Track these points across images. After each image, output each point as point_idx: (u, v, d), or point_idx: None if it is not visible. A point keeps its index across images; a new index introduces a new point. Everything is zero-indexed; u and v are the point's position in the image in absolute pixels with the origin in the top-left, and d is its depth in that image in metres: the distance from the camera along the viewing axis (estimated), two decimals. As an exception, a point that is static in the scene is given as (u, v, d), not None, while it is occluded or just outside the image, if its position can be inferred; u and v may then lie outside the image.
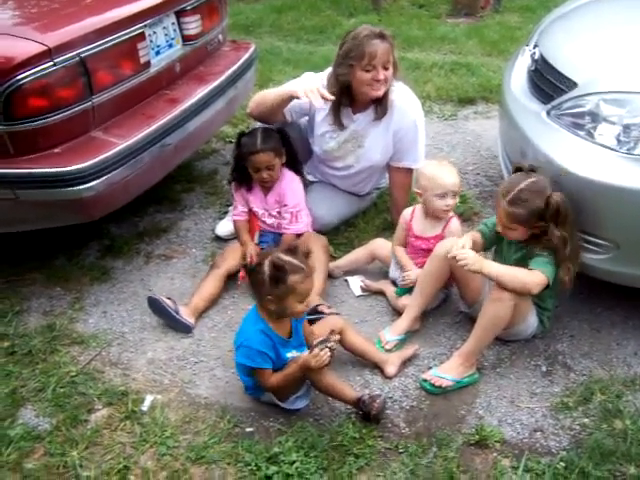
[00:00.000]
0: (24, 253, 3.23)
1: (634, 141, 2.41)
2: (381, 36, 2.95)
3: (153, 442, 2.26)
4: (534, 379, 2.53)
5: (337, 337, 2.31)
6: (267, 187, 3.08)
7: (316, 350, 2.22)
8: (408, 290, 2.83)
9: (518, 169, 2.55)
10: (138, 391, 2.48)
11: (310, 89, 2.90)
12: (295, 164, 3.16)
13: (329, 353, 2.22)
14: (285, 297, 2.23)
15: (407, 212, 2.97)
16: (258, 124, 3.33)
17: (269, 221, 3.13)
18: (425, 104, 4.75)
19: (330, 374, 2.34)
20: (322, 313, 2.67)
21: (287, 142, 3.07)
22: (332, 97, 2.96)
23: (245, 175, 3.09)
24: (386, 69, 2.97)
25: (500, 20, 7.08)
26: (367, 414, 2.30)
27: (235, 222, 3.18)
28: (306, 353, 2.28)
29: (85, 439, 2.27)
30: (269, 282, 2.21)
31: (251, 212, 3.16)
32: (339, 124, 3.16)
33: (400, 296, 2.86)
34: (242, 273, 2.96)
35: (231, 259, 3.02)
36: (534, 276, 2.39)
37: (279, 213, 3.09)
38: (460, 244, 2.51)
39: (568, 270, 2.44)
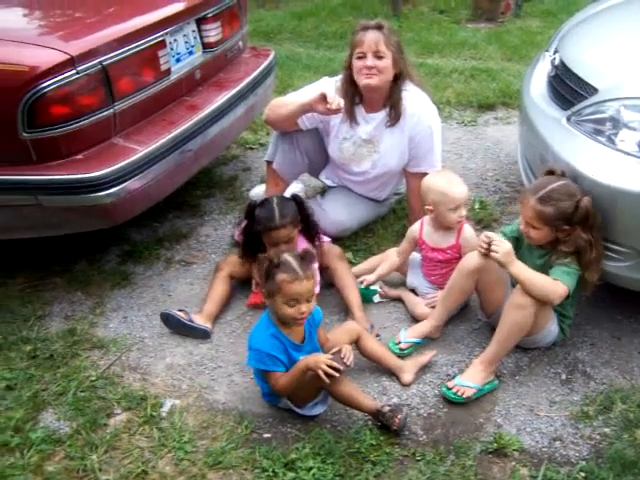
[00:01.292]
0: (46, 258, 3.27)
1: (655, 147, 2.39)
2: (376, 26, 3.00)
3: (171, 447, 2.27)
4: (553, 387, 2.51)
5: (348, 358, 2.27)
6: None
7: (323, 356, 2.23)
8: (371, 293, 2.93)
9: (550, 172, 2.53)
10: (157, 396, 2.50)
11: (330, 103, 2.91)
12: (310, 230, 2.92)
13: (329, 362, 2.19)
14: (273, 294, 2.25)
15: (415, 227, 2.94)
16: (274, 133, 3.36)
17: None
18: (445, 110, 4.75)
19: (348, 384, 2.33)
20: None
21: (302, 208, 2.86)
22: (342, 102, 2.99)
23: (257, 247, 2.82)
24: (378, 58, 2.98)
25: (521, 25, 7.05)
26: (387, 427, 2.29)
27: None
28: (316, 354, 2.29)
29: (104, 443, 2.29)
30: (264, 276, 2.26)
31: None
32: (353, 120, 3.17)
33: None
34: (250, 300, 2.97)
35: (235, 262, 2.99)
36: (557, 287, 2.38)
37: None
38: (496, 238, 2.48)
39: (593, 274, 2.42)
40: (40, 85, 2.54)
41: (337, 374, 2.19)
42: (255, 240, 2.83)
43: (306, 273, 2.23)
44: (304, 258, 2.28)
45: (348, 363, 2.24)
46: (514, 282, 2.50)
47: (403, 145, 3.18)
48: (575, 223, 2.38)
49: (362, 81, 3.02)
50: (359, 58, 3.00)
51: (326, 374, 2.18)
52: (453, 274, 2.66)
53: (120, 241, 3.43)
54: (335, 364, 2.19)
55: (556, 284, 2.38)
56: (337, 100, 2.93)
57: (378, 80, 3.01)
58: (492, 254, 2.40)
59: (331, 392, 2.33)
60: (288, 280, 2.21)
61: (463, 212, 2.79)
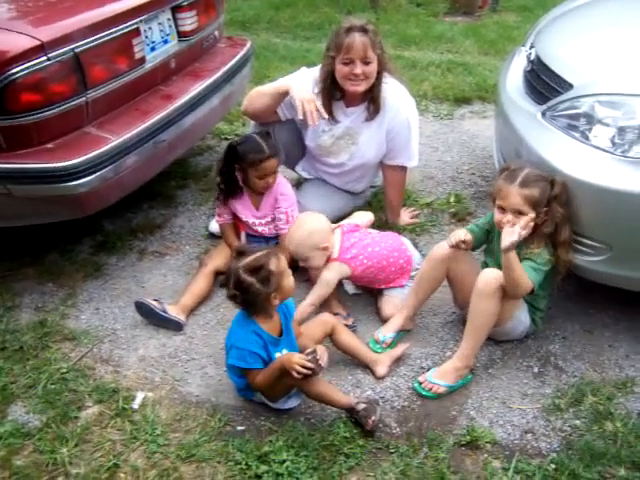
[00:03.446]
0: (17, 249, 3.21)
1: (629, 143, 2.41)
2: (362, 30, 2.92)
3: (143, 440, 2.26)
4: (526, 380, 2.53)
5: (322, 359, 2.24)
6: (262, 193, 3.02)
7: (296, 357, 2.20)
8: None
9: (505, 169, 2.56)
10: (129, 388, 2.47)
11: (307, 100, 2.89)
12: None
13: (302, 362, 2.17)
14: (281, 280, 2.26)
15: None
16: (251, 124, 3.34)
17: (261, 229, 3.10)
18: (421, 103, 4.75)
19: (321, 382, 2.30)
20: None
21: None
22: (326, 115, 2.97)
23: (234, 187, 3.03)
24: (366, 64, 2.94)
25: (498, 19, 7.08)
26: (360, 425, 2.28)
27: (221, 226, 3.15)
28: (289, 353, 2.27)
29: (75, 436, 2.26)
30: (261, 285, 2.21)
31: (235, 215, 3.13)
32: (333, 118, 3.15)
33: None
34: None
35: (218, 257, 3.00)
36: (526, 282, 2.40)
37: (272, 219, 3.06)
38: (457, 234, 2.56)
39: (567, 253, 2.46)
40: (10, 71, 2.48)
41: (310, 372, 2.17)
42: (232, 180, 2.99)
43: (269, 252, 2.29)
44: (244, 254, 2.27)
45: (322, 364, 2.21)
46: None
47: (381, 137, 3.18)
48: (552, 200, 2.42)
49: (349, 87, 2.99)
50: (345, 64, 2.94)
51: (299, 373, 2.16)
52: (423, 264, 2.69)
53: (93, 231, 3.38)
54: (308, 364, 2.17)
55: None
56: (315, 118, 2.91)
57: (365, 85, 2.99)
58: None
59: (305, 391, 2.32)
60: (275, 262, 2.26)
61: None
